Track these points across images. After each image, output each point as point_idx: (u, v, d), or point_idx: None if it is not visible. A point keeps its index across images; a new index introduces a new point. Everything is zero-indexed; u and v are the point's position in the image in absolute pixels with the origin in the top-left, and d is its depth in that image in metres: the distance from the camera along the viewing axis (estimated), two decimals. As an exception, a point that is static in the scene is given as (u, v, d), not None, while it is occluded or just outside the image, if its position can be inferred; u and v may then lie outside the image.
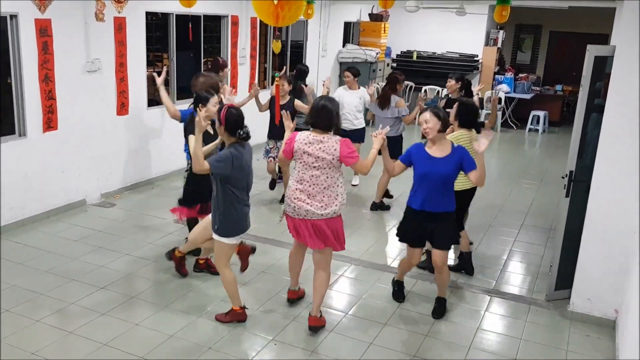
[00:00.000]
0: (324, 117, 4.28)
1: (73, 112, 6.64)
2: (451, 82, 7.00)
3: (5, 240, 5.87)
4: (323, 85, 7.51)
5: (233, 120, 4.15)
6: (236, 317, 4.55)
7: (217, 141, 4.71)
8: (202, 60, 8.87)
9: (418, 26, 14.24)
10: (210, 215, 4.56)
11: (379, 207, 7.51)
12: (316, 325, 4.49)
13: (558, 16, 14.72)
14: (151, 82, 8.15)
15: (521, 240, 6.69)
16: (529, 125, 13.35)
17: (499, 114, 6.19)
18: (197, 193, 5.21)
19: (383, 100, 7.27)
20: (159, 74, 5.89)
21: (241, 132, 4.18)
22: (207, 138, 4.54)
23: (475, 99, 6.83)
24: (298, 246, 4.72)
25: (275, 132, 6.92)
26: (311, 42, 11.79)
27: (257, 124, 6.87)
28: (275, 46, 5.53)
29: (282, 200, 7.19)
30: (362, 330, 4.55)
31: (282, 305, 4.89)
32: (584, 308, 4.84)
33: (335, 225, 4.39)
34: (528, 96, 13.48)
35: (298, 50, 11.59)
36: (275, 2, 4.01)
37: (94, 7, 6.69)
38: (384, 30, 13.46)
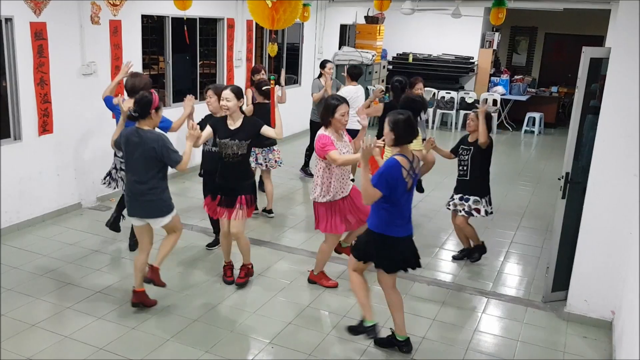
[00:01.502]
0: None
1: (68, 116, 6.62)
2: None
3: (1, 244, 5.84)
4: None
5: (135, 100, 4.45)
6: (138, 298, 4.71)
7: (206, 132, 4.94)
8: (198, 63, 8.87)
9: (414, 28, 14.27)
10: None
11: None
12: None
13: (553, 18, 14.77)
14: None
15: (517, 241, 6.69)
16: (524, 127, 13.39)
17: (493, 119, 5.76)
18: (207, 183, 5.72)
19: None
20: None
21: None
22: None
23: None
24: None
25: None
26: (307, 45, 11.80)
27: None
28: (271, 49, 5.52)
29: (264, 210, 7.09)
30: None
31: (279, 308, 4.89)
32: (581, 309, 4.84)
33: (316, 210, 5.02)
34: (524, 98, 13.52)
35: (294, 52, 11.60)
36: (270, 5, 4.01)
37: (89, 10, 6.68)
38: (380, 33, 13.48)
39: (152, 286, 5.01)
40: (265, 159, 6.87)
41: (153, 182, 4.45)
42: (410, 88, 7.29)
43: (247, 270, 5.29)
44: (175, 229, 4.74)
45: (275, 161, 7.00)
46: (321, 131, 4.87)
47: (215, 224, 5.77)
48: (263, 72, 7.55)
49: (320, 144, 4.79)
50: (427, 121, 7.78)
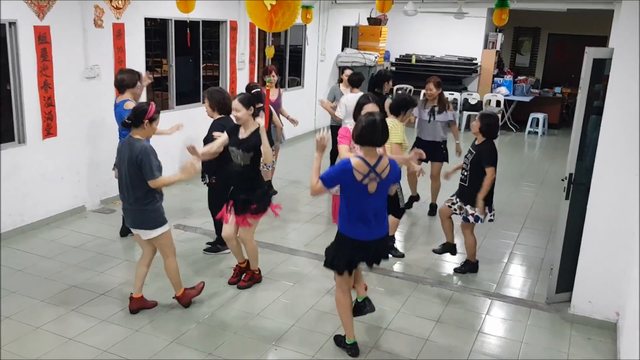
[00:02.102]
0: None
1: (72, 119, 6.65)
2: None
3: (5, 247, 5.87)
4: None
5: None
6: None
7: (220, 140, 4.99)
8: (202, 66, 8.89)
9: (417, 30, 14.27)
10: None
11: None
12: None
13: (556, 19, 14.76)
14: (150, 88, 8.19)
15: (521, 243, 6.68)
16: (528, 128, 13.37)
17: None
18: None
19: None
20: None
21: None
22: None
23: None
24: None
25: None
26: (310, 47, 11.81)
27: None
28: (269, 51, 5.50)
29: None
30: (363, 335, 4.54)
31: (282, 310, 4.89)
32: (585, 310, 4.83)
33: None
34: (527, 99, 13.50)
35: (297, 54, 11.61)
36: (269, 8, 4.02)
37: (92, 13, 6.71)
38: (382, 34, 13.48)
39: (152, 286, 5.04)
40: None
41: (140, 192, 4.39)
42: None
43: (252, 275, 5.29)
44: (166, 252, 4.63)
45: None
46: (348, 125, 5.04)
47: (218, 227, 5.75)
48: (274, 73, 7.45)
49: (339, 135, 4.99)
50: (449, 123, 7.22)
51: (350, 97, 7.41)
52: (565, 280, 5.03)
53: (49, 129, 6.38)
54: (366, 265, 4.25)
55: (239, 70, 9.59)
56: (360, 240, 3.96)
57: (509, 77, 13.86)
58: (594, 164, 4.59)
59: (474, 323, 4.84)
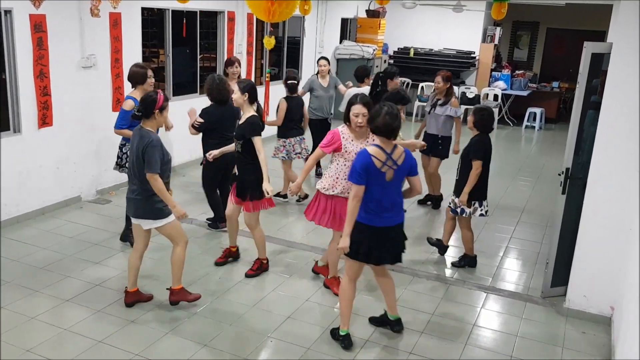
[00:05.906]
0: None
1: (68, 108, 6.61)
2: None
3: (0, 236, 5.84)
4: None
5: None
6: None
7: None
8: (199, 56, 8.85)
9: (415, 23, 14.23)
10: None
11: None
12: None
13: (555, 13, 14.75)
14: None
15: (517, 237, 6.69)
16: (525, 122, 13.37)
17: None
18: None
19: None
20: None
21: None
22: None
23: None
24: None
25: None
26: (308, 39, 11.76)
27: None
28: (268, 42, 5.43)
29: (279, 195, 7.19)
30: (358, 328, 4.54)
31: (278, 302, 4.89)
32: (580, 305, 4.84)
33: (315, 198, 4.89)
34: (525, 93, 13.49)
35: (295, 46, 11.57)
36: (272, -2, 4.00)
37: (89, 2, 6.65)
38: (381, 27, 13.44)
39: (149, 280, 5.03)
40: (288, 151, 7.00)
41: (145, 183, 4.33)
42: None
43: (260, 264, 5.35)
44: (175, 240, 4.58)
45: (305, 149, 7.13)
46: (340, 126, 4.67)
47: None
48: (237, 64, 7.00)
49: (326, 137, 4.69)
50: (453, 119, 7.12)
51: (350, 94, 7.16)
52: (561, 274, 5.04)
53: (45, 119, 6.35)
54: (389, 261, 4.24)
55: (237, 61, 9.54)
56: (376, 226, 4.04)
57: (506, 71, 13.85)
58: (591, 159, 4.60)
59: (469, 316, 4.85)
